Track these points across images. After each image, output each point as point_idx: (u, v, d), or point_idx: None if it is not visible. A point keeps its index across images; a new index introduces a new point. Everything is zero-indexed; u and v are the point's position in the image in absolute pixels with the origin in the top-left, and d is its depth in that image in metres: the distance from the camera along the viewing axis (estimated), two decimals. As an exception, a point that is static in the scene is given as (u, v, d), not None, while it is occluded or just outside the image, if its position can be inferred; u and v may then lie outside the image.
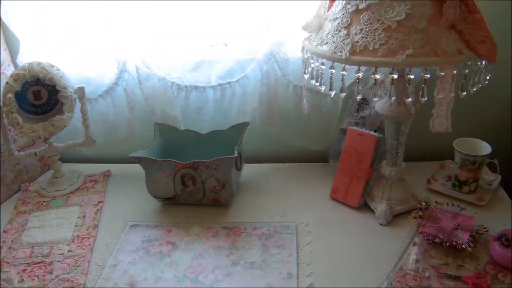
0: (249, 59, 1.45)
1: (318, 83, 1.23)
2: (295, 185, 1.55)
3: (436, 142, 1.53)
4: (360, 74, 1.14)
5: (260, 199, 1.48)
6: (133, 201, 1.48)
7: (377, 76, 1.13)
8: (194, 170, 1.36)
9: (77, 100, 1.47)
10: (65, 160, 1.65)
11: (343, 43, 1.15)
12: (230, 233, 1.34)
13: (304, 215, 1.40)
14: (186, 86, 1.47)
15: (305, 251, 1.28)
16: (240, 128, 1.47)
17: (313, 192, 1.50)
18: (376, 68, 1.13)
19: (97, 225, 1.40)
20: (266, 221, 1.38)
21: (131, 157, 1.36)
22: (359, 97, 1.18)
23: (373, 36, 1.12)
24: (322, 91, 1.22)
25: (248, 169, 1.60)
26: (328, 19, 1.22)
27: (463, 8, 1.16)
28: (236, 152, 1.36)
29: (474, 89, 1.19)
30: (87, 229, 1.38)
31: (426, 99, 1.13)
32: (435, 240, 1.26)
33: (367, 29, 1.13)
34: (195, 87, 1.47)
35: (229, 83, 1.47)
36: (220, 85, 1.47)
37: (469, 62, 1.15)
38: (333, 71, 1.18)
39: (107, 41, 1.46)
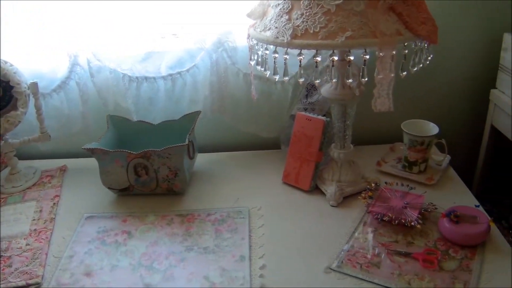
0: (198, 48, 1.43)
1: (263, 69, 1.22)
2: (248, 172, 1.53)
3: (386, 125, 1.53)
4: (302, 57, 1.14)
5: (214, 187, 1.46)
6: (89, 193, 1.44)
7: (318, 59, 1.12)
8: (146, 160, 1.34)
9: (31, 96, 1.43)
10: (22, 157, 1.61)
11: (285, 28, 1.14)
12: (184, 220, 1.32)
13: (257, 200, 1.39)
14: (137, 77, 1.44)
15: (257, 234, 1.26)
16: (191, 117, 1.45)
17: (265, 177, 1.49)
18: (317, 51, 1.12)
19: (54, 218, 1.36)
20: (220, 207, 1.36)
21: (84, 149, 1.33)
22: (301, 80, 1.17)
23: (313, 20, 1.11)
24: (267, 76, 1.21)
25: (201, 158, 1.58)
26: (271, 6, 1.21)
27: (402, -9, 1.16)
28: (187, 140, 1.34)
29: (415, 69, 1.19)
30: (44, 223, 1.34)
31: (366, 79, 1.12)
32: (384, 219, 1.26)
33: (307, 14, 1.12)
34: (146, 78, 1.44)
35: (179, 73, 1.44)
36: (171, 75, 1.44)
37: (408, 43, 1.14)
38: (277, 55, 1.17)
39: (58, 35, 1.42)
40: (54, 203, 1.41)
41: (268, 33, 1.18)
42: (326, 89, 1.30)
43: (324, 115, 1.42)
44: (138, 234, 1.29)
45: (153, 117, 1.49)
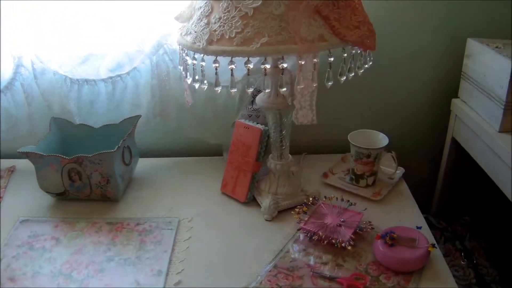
0: (138, 51, 1.32)
1: (185, 75, 1.10)
2: (188, 179, 1.41)
3: (340, 133, 1.37)
4: (217, 65, 1.01)
5: (151, 194, 1.35)
6: (30, 196, 1.35)
7: (233, 67, 0.99)
8: (79, 165, 1.24)
9: (-22, 97, 1.36)
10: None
11: (202, 33, 1.02)
12: (113, 229, 1.22)
13: (190, 210, 1.27)
14: (77, 80, 1.34)
15: (181, 247, 1.15)
16: (131, 122, 1.34)
17: (205, 186, 1.37)
18: (232, 58, 0.99)
19: (-9, 221, 1.29)
20: (151, 217, 1.25)
21: (19, 152, 1.25)
22: (233, 90, 1.03)
23: (230, 25, 0.99)
24: (189, 82, 1.09)
25: (143, 163, 1.47)
26: (196, 8, 1.09)
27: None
28: (116, 147, 1.23)
29: (343, 78, 1.04)
30: (-19, 224, 1.28)
31: (316, 84, 1.01)
32: (313, 238, 1.13)
33: (225, 17, 1.00)
34: (87, 81, 1.33)
35: (119, 76, 1.34)
36: (111, 78, 1.34)
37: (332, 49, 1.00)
38: (195, 62, 1.05)
39: (2, 35, 1.33)
40: (-5, 205, 1.34)
41: (188, 38, 1.06)
42: (260, 97, 1.18)
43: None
44: (66, 240, 1.20)
45: (95, 120, 1.39)
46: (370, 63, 1.11)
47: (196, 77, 1.07)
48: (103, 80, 1.34)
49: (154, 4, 1.28)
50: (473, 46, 1.30)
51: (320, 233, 1.12)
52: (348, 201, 1.20)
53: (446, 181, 1.44)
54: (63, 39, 1.32)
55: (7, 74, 1.38)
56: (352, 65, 1.06)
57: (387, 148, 1.28)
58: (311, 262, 1.09)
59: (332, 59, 1.00)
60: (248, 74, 0.97)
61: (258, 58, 1.09)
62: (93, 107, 1.38)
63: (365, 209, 1.19)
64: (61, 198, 1.33)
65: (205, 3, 1.05)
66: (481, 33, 1.34)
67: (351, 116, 1.51)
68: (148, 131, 1.47)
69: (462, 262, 1.23)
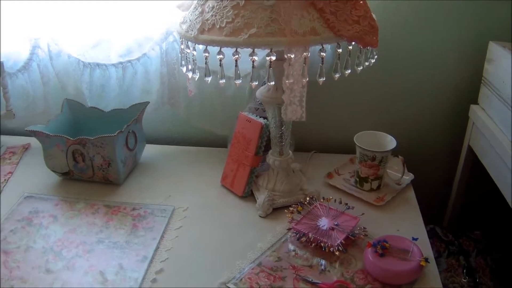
0: (146, 38, 1.32)
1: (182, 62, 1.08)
2: (192, 169, 1.40)
3: (352, 133, 1.31)
4: (207, 54, 0.98)
5: (153, 180, 1.35)
6: (38, 174, 1.38)
7: (221, 56, 0.96)
8: (83, 147, 1.25)
9: (-2, 73, 1.40)
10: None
11: (196, 21, 1.00)
12: (109, 212, 1.23)
13: (188, 200, 1.25)
14: (89, 63, 1.35)
15: (170, 236, 1.14)
16: (139, 108, 1.34)
17: (206, 177, 1.34)
18: (220, 49, 0.96)
19: (-1, 194, 1.33)
20: (148, 203, 1.25)
21: (27, 130, 1.28)
22: (222, 82, 1.00)
23: (221, 14, 0.96)
24: (184, 71, 1.07)
25: (151, 149, 1.47)
26: (195, -3, 1.07)
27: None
28: (119, 131, 1.23)
29: (337, 75, 0.99)
30: (-12, 197, 1.31)
31: (307, 79, 0.95)
32: (301, 239, 1.08)
33: (217, 7, 0.97)
34: (98, 65, 1.34)
35: (129, 61, 1.33)
36: (121, 63, 1.33)
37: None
38: (188, 50, 1.02)
39: (20, 17, 1.36)
40: (5, 179, 1.37)
41: (184, 26, 1.04)
42: (260, 91, 1.14)
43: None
44: (63, 219, 1.22)
45: (106, 104, 1.40)
46: (373, 60, 1.04)
47: (190, 67, 1.04)
48: (113, 65, 1.34)
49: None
50: (495, 49, 1.20)
51: (310, 235, 1.07)
52: (346, 204, 1.14)
53: (460, 191, 1.34)
54: (77, 23, 1.33)
55: (24, 54, 1.42)
56: (354, 61, 1.00)
57: (395, 152, 1.21)
58: (297, 264, 1.05)
59: (324, 54, 0.95)
60: (252, 66, 0.94)
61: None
62: (104, 91, 1.39)
63: (363, 214, 1.13)
64: (66, 177, 1.35)
65: (202, -9, 1.02)
66: (505, 37, 1.23)
67: (364, 116, 1.45)
68: (157, 118, 1.47)
69: (463, 280, 1.14)
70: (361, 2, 0.99)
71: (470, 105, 1.31)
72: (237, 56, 0.95)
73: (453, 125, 1.42)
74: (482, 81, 1.26)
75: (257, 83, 0.98)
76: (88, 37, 1.35)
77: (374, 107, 1.43)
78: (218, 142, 1.49)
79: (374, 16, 1.01)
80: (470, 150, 1.30)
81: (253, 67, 0.96)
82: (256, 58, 0.95)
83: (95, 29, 1.33)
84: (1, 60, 1.40)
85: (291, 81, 0.96)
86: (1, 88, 1.40)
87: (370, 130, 1.26)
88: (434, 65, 1.36)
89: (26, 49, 1.40)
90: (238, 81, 0.98)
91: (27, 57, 1.40)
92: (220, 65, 0.97)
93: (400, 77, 1.38)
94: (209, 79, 1.01)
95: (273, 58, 0.94)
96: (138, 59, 1.33)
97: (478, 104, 1.29)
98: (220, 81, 0.99)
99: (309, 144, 1.44)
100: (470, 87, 1.33)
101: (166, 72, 1.34)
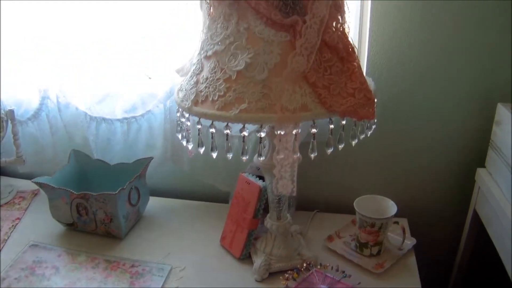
0: (150, 95, 1.33)
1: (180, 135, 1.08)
2: (194, 224, 1.39)
3: (354, 194, 1.28)
4: (199, 126, 0.98)
5: (155, 236, 1.34)
6: (44, 221, 1.40)
7: (213, 130, 0.96)
8: (86, 201, 1.27)
9: (9, 122, 1.43)
10: (4, 173, 1.66)
11: (190, 92, 1.00)
12: (109, 267, 1.23)
13: (186, 258, 1.25)
14: (96, 117, 1.37)
15: (165, 296, 1.14)
16: (143, 163, 1.35)
17: (206, 235, 1.33)
18: (212, 122, 0.96)
19: (6, 240, 1.34)
20: (147, 260, 1.25)
21: (33, 182, 1.31)
22: (214, 154, 0.99)
23: (214, 86, 0.95)
24: (180, 139, 1.07)
25: (155, 202, 1.47)
26: (192, 63, 1.07)
27: (327, 57, 0.95)
28: (120, 188, 1.24)
29: (330, 150, 0.97)
30: (-4, 243, 1.34)
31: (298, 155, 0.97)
32: (293, 309, 1.07)
33: (211, 79, 0.96)
34: (104, 119, 1.37)
35: (134, 117, 1.35)
36: (126, 118, 1.35)
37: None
38: (183, 120, 1.03)
39: (30, 68, 1.41)
40: (12, 225, 1.40)
41: (180, 94, 1.04)
42: (257, 157, 1.12)
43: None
44: (64, 271, 1.23)
45: (111, 157, 1.41)
46: (370, 131, 1.02)
47: (184, 134, 1.05)
48: (118, 120, 1.36)
49: (168, 52, 1.30)
50: (502, 112, 1.15)
51: (302, 305, 1.05)
52: (343, 272, 1.12)
53: (464, 258, 1.29)
54: (84, 77, 1.36)
55: (34, 103, 1.46)
56: (349, 134, 0.99)
57: (397, 216, 1.17)
58: (288, 334, 1.04)
59: (314, 130, 0.94)
60: (243, 140, 0.94)
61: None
62: (110, 144, 1.41)
63: (359, 283, 1.10)
64: (70, 228, 1.37)
65: (198, 60, 1.02)
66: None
67: (368, 177, 1.43)
68: (161, 171, 1.47)
69: None
70: (356, 73, 0.97)
71: (477, 168, 1.26)
72: (227, 131, 0.94)
73: (460, 189, 1.37)
74: (489, 144, 1.21)
75: (247, 157, 0.97)
76: (94, 91, 1.38)
77: (379, 169, 1.40)
78: (222, 197, 1.48)
79: (372, 86, 0.99)
80: (476, 216, 1.25)
81: (243, 141, 0.95)
82: (246, 133, 0.94)
83: (101, 84, 1.36)
84: (12, 108, 1.44)
85: (282, 156, 0.95)
86: (12, 135, 1.44)
87: (372, 194, 1.22)
88: (439, 125, 1.32)
89: (36, 97, 1.44)
90: (230, 155, 0.98)
91: (37, 107, 1.44)
92: (212, 137, 0.97)
93: (406, 139, 1.35)
94: (202, 150, 1.00)
95: (262, 135, 0.94)
96: (142, 115, 1.35)
97: (485, 167, 1.24)
98: (212, 153, 0.99)
99: (312, 203, 1.41)
100: (477, 150, 1.29)
101: (170, 128, 1.35)
